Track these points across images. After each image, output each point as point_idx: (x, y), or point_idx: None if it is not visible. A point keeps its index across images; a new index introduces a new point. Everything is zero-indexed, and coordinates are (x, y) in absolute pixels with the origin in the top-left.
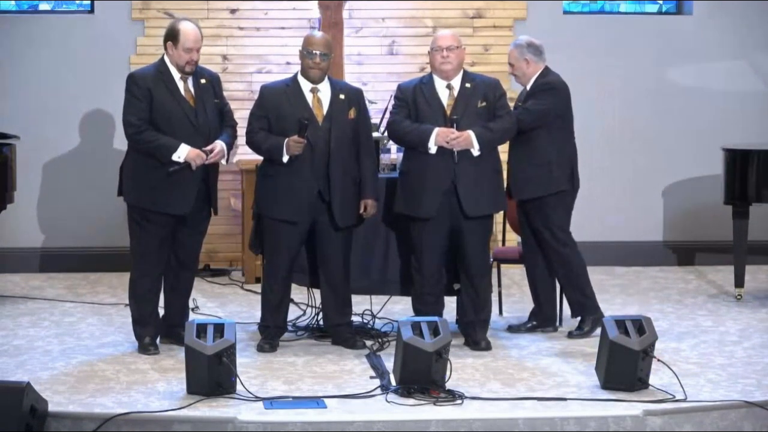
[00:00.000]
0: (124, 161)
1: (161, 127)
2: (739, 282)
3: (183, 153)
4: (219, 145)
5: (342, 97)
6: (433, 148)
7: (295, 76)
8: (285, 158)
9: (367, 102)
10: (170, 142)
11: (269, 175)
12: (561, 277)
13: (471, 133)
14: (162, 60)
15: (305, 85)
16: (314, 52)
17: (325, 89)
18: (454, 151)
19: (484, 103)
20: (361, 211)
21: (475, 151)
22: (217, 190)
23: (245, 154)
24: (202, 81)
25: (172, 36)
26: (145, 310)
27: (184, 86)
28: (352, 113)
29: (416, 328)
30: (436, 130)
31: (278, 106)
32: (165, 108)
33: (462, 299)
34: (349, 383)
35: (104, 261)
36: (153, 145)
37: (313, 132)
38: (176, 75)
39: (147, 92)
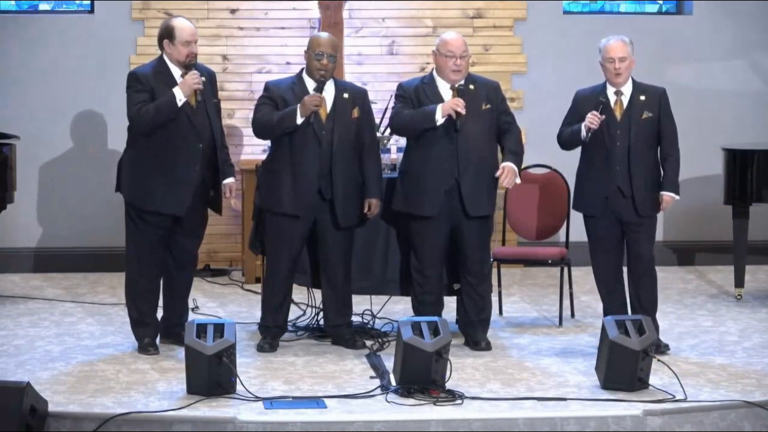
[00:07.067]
0: (123, 157)
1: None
2: (739, 282)
3: (180, 94)
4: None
5: (346, 96)
6: (440, 120)
7: (300, 74)
8: (300, 120)
9: None
10: (166, 96)
11: (272, 170)
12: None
13: (513, 167)
14: (160, 59)
15: (310, 84)
16: (322, 53)
17: (329, 88)
18: (456, 122)
19: (488, 106)
20: (365, 210)
21: (518, 179)
22: (221, 192)
23: (245, 154)
24: (202, 79)
25: (167, 34)
26: (144, 310)
27: None
28: (355, 113)
29: (416, 328)
30: (442, 104)
31: (284, 97)
32: None
33: (462, 299)
34: (349, 383)
35: (104, 261)
36: (155, 111)
37: (317, 130)
38: (176, 73)
39: (149, 88)
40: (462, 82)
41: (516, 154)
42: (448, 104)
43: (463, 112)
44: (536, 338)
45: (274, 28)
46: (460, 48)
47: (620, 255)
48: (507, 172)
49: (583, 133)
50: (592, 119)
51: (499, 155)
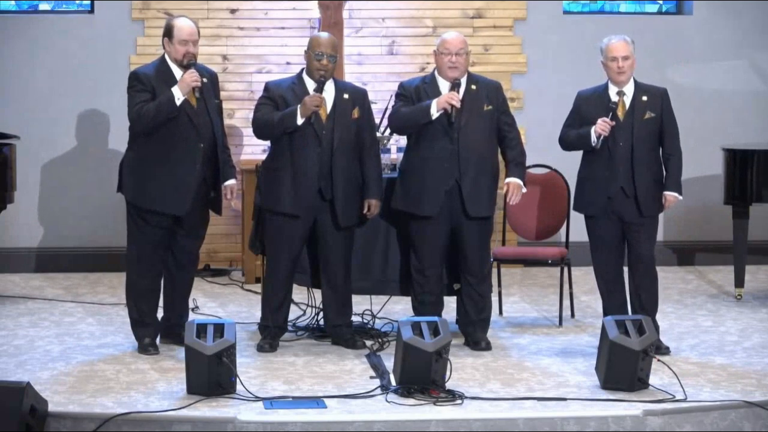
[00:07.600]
0: (125, 157)
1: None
2: (739, 282)
3: (179, 93)
4: (231, 187)
5: (346, 96)
6: (435, 114)
7: (300, 74)
8: (300, 120)
9: None
10: (165, 95)
11: (272, 170)
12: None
13: (517, 183)
14: (162, 58)
15: (310, 84)
16: (322, 53)
17: (329, 89)
18: (451, 116)
19: (490, 107)
20: (365, 210)
21: (524, 189)
22: (221, 193)
23: (245, 154)
24: (203, 80)
25: (167, 32)
26: (144, 311)
27: None
28: (355, 113)
29: (416, 328)
30: (437, 98)
31: (284, 97)
32: None
33: (462, 299)
34: (349, 383)
35: (104, 261)
36: (155, 111)
37: (317, 130)
38: (177, 73)
39: (150, 88)
40: (463, 80)
41: (520, 165)
42: (443, 98)
43: (458, 105)
44: (536, 338)
45: (274, 28)
46: (457, 45)
47: (621, 255)
48: (512, 190)
49: (594, 139)
50: (603, 126)
51: (500, 157)
